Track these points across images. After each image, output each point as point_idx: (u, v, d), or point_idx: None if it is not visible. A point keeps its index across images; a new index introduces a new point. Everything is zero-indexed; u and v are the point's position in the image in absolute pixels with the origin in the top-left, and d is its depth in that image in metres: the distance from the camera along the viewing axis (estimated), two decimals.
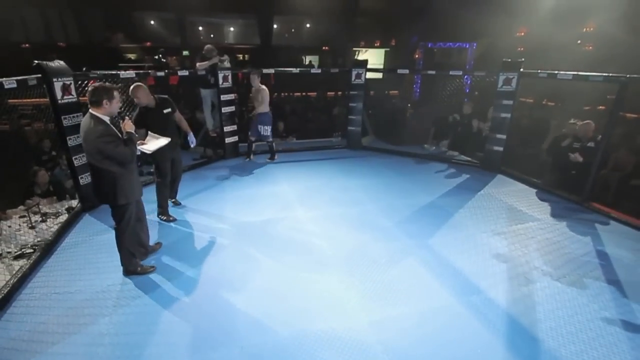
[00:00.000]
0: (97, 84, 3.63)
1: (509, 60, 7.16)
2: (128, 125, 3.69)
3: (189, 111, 10.02)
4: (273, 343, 3.20)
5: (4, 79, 4.20)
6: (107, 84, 3.70)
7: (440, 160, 8.43)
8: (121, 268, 4.08)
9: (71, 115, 5.18)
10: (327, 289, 3.92)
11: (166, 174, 5.19)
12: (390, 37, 20.87)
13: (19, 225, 5.12)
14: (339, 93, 13.78)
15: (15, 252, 4.47)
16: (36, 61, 4.92)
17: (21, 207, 5.62)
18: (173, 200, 5.75)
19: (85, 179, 5.44)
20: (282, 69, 9.08)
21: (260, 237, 4.95)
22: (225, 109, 7.92)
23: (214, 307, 3.64)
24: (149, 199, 5.37)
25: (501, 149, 7.52)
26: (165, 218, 5.31)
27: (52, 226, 5.12)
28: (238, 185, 6.72)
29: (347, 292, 3.88)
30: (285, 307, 3.65)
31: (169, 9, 17.54)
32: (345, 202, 6.04)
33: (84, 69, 5.83)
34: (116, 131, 3.58)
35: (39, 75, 4.87)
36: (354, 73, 8.78)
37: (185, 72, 7.83)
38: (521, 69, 6.98)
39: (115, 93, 3.60)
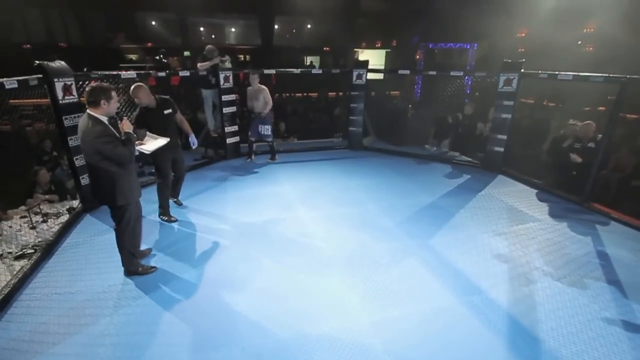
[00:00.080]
0: (94, 84, 3.61)
1: (510, 60, 7.16)
2: (126, 126, 3.68)
3: (190, 112, 10.02)
4: (274, 343, 3.20)
5: (5, 79, 4.20)
6: (104, 84, 3.68)
7: (441, 161, 8.43)
8: (122, 268, 4.08)
9: (72, 116, 5.18)
10: (328, 290, 3.93)
11: (167, 175, 5.18)
12: (391, 38, 20.86)
13: (20, 225, 5.12)
14: (340, 94, 13.80)
15: (16, 253, 4.47)
16: (37, 61, 4.93)
17: (22, 207, 5.62)
18: (175, 200, 5.75)
19: (86, 179, 5.43)
20: (283, 69, 9.08)
21: (262, 238, 4.95)
22: (226, 110, 7.92)
23: (215, 307, 3.64)
24: (151, 199, 5.40)
25: (502, 149, 7.52)
26: (166, 218, 5.31)
27: (53, 226, 5.12)
28: (239, 186, 6.73)
29: (348, 292, 3.88)
30: (286, 307, 3.66)
31: (170, 9, 17.54)
32: (346, 203, 6.05)
33: (85, 69, 5.83)
34: (114, 131, 3.56)
35: (40, 76, 4.87)
36: (355, 74, 8.77)
37: (187, 73, 7.84)
38: (522, 70, 6.97)
39: (113, 93, 3.58)
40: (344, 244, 4.79)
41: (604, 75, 5.68)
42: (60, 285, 3.93)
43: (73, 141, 5.23)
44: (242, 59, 19.92)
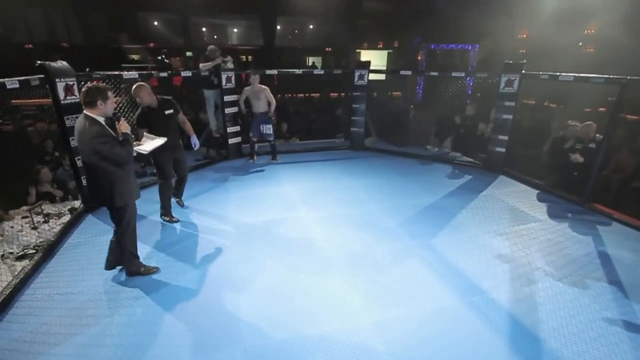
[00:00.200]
0: (90, 84, 3.60)
1: (511, 62, 7.16)
2: (124, 126, 3.66)
3: (193, 112, 10.04)
4: (276, 344, 3.20)
5: (7, 79, 4.20)
6: (100, 84, 3.66)
7: (443, 161, 8.43)
8: (124, 269, 4.09)
9: (74, 116, 5.17)
10: (330, 290, 3.92)
11: (168, 175, 5.18)
12: (393, 39, 20.89)
13: (22, 225, 5.12)
14: (342, 94, 13.81)
15: (18, 253, 4.47)
16: (39, 61, 4.94)
17: (24, 207, 5.63)
18: (177, 200, 5.75)
19: None
20: (285, 70, 9.09)
21: (263, 238, 4.95)
22: (228, 110, 7.93)
23: (217, 307, 3.64)
24: (152, 199, 5.41)
25: (503, 150, 7.51)
26: (168, 219, 5.31)
27: (54, 227, 5.13)
28: (241, 186, 6.73)
29: (350, 292, 3.88)
30: (288, 307, 3.66)
31: (173, 9, 17.56)
32: (348, 203, 6.05)
33: (87, 69, 5.84)
34: (111, 132, 3.55)
35: (42, 76, 4.87)
36: (357, 74, 8.78)
37: (189, 73, 7.85)
38: (523, 71, 6.97)
39: (110, 93, 3.56)
40: (345, 245, 4.79)
41: (605, 76, 5.68)
42: (61, 285, 3.94)
43: (75, 141, 5.22)
44: (244, 59, 19.95)
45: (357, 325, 3.43)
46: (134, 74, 6.29)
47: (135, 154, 3.86)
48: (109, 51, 16.96)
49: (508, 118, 7.27)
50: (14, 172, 6.10)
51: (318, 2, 17.50)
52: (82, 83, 5.43)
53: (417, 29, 16.95)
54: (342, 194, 6.41)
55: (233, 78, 7.86)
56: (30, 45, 16.77)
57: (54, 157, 7.24)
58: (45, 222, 5.27)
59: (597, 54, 13.59)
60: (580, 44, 14.59)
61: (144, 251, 4.43)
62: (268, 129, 7.75)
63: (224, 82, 7.72)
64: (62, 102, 5.10)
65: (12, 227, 5.10)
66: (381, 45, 21.19)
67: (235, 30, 21.16)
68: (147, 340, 3.22)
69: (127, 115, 6.54)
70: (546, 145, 7.55)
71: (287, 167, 7.85)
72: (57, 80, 5.02)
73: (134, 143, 3.91)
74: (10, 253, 4.49)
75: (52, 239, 4.72)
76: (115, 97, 6.34)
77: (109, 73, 5.94)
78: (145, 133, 4.49)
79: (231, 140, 8.23)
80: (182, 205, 5.77)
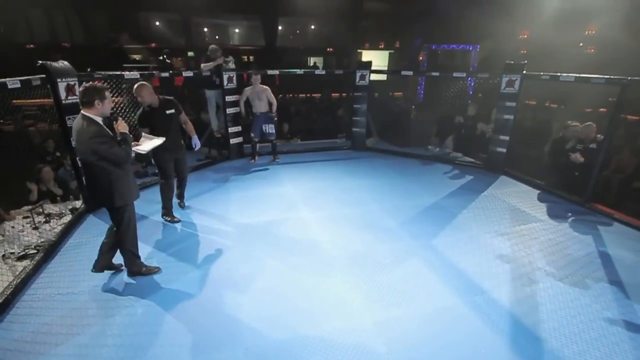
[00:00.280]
0: (87, 84, 3.60)
1: (512, 62, 7.16)
2: (122, 126, 3.63)
3: (194, 112, 10.04)
4: (277, 344, 3.20)
5: (8, 79, 4.19)
6: (98, 84, 3.66)
7: (444, 162, 8.43)
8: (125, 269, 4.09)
9: (75, 116, 5.14)
10: (331, 290, 3.92)
11: (169, 176, 5.18)
12: (394, 39, 20.91)
13: (23, 226, 5.12)
14: (344, 94, 13.82)
15: (19, 253, 4.47)
16: (40, 61, 4.94)
17: (25, 207, 5.63)
18: (179, 202, 5.74)
19: None
20: (287, 70, 9.09)
21: (265, 238, 4.95)
22: (229, 110, 7.93)
23: (218, 307, 3.64)
24: (154, 199, 5.41)
25: (504, 150, 7.51)
26: (169, 219, 5.31)
27: (55, 227, 5.14)
28: (242, 186, 6.74)
29: (351, 292, 3.88)
30: (289, 307, 3.66)
31: (174, 10, 17.58)
32: (349, 203, 6.05)
33: (89, 69, 5.84)
34: (109, 132, 3.53)
35: (43, 76, 4.86)
36: (358, 74, 8.78)
37: (190, 73, 7.86)
38: (524, 71, 6.97)
39: (107, 93, 3.55)
40: (347, 245, 4.79)
41: (605, 77, 5.68)
42: (62, 285, 3.94)
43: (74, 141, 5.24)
44: (246, 59, 19.97)
45: (358, 325, 3.43)
46: (135, 74, 6.29)
47: (134, 154, 3.86)
48: (111, 51, 16.98)
49: (509, 118, 7.27)
50: (15, 172, 6.10)
51: (319, 2, 17.52)
52: (83, 83, 5.42)
53: (418, 30, 16.98)
54: (343, 194, 6.41)
55: (234, 78, 7.86)
56: (31, 45, 16.80)
57: (55, 157, 7.24)
58: (47, 222, 5.27)
59: (597, 54, 13.61)
60: (581, 44, 14.61)
61: (145, 251, 4.44)
62: (271, 127, 7.77)
63: (225, 82, 7.72)
64: (64, 102, 5.10)
65: (13, 227, 5.10)
66: (382, 46, 21.21)
67: (237, 30, 21.20)
68: (148, 340, 3.22)
69: (127, 115, 6.53)
70: (547, 145, 7.55)
71: (288, 168, 7.85)
72: (59, 80, 5.02)
73: (133, 143, 3.90)
74: (12, 253, 4.48)
75: (53, 239, 4.71)
76: (117, 97, 6.37)
77: (111, 73, 5.94)
78: (143, 133, 4.48)
79: (233, 141, 8.23)
80: (183, 207, 5.76)
